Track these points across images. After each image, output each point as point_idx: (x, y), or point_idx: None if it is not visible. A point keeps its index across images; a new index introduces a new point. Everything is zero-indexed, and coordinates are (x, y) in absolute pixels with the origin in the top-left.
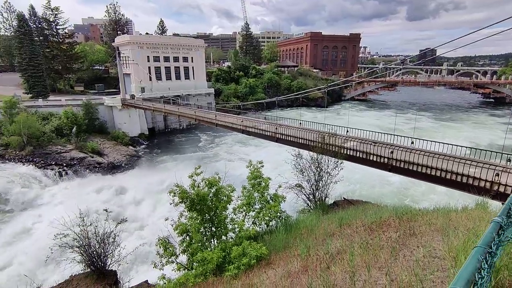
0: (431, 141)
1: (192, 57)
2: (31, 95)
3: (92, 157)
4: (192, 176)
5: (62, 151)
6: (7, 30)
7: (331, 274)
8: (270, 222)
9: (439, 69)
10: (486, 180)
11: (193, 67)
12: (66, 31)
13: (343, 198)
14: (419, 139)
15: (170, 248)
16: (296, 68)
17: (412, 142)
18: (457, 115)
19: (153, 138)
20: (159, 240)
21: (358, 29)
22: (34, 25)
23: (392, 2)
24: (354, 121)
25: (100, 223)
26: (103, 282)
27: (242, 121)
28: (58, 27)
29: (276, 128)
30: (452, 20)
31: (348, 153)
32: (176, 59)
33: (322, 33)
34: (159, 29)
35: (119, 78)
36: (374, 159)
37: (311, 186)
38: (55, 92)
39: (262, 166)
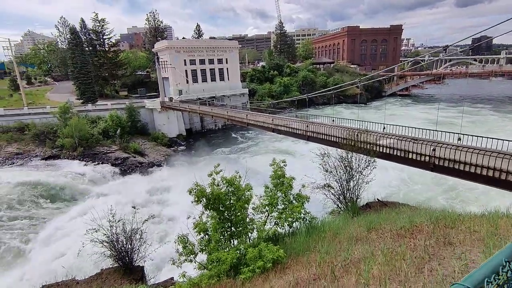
0: (483, 137)
1: (226, 59)
2: (82, 100)
3: (135, 157)
4: (212, 175)
5: (108, 151)
6: (62, 43)
7: (340, 286)
8: (294, 224)
9: (496, 58)
10: None
11: (227, 68)
12: (112, 40)
13: (377, 199)
14: (468, 135)
15: (189, 246)
16: (332, 65)
17: (459, 139)
18: None
19: (190, 138)
20: (178, 238)
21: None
22: (84, 37)
23: None
24: (399, 116)
25: (129, 219)
26: (130, 277)
27: (272, 120)
28: (104, 37)
29: (307, 126)
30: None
31: (385, 151)
32: (211, 61)
33: (360, 27)
34: (196, 33)
35: (158, 81)
36: (414, 158)
37: (341, 186)
38: (102, 97)
39: (285, 165)
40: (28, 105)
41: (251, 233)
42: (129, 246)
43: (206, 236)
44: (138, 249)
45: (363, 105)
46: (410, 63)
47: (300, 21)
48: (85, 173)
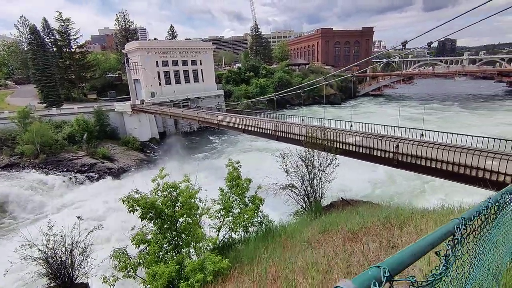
0: (444, 132)
1: (200, 60)
2: (45, 104)
3: (103, 163)
4: (155, 180)
5: (74, 157)
6: (23, 44)
7: None
8: (249, 228)
9: (459, 59)
10: (506, 174)
11: (201, 70)
12: (79, 41)
13: (341, 198)
14: (430, 130)
15: (125, 261)
16: (307, 66)
17: (422, 135)
18: (485, 104)
19: (164, 142)
20: (114, 252)
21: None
22: (48, 37)
23: None
24: (373, 114)
25: (75, 231)
26: None
27: (242, 121)
28: (70, 37)
29: (276, 126)
30: (473, 7)
31: (351, 149)
32: (184, 63)
33: (333, 29)
34: (170, 35)
35: (129, 84)
36: (379, 155)
37: (304, 186)
38: (69, 100)
39: (240, 166)
40: None
41: (198, 242)
42: (69, 262)
43: (147, 248)
44: (80, 264)
45: (338, 105)
46: (382, 64)
47: (276, 23)
48: (47, 181)
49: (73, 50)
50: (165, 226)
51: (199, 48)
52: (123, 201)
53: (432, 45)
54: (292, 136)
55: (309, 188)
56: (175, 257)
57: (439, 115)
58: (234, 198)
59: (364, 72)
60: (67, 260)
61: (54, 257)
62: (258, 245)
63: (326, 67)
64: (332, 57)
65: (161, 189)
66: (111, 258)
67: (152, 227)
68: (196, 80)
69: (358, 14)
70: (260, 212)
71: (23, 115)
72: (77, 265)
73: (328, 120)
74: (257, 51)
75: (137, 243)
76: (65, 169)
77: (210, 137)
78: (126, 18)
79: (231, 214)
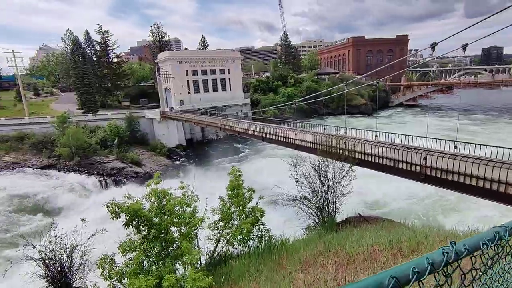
0: (482, 145)
1: (228, 69)
2: (83, 110)
3: (131, 167)
4: (150, 186)
5: (105, 161)
6: (68, 55)
7: None
8: (248, 242)
9: (506, 68)
10: None
11: (229, 79)
12: (116, 51)
13: (358, 214)
14: (465, 142)
15: (109, 270)
16: (336, 75)
17: (455, 147)
18: None
19: (190, 149)
20: (100, 259)
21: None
22: (88, 48)
23: None
24: (410, 124)
25: (76, 234)
26: None
27: (262, 128)
28: (108, 48)
29: (296, 134)
30: None
31: (373, 160)
32: (213, 72)
33: (366, 38)
34: (201, 45)
35: (159, 92)
36: (404, 167)
37: (317, 198)
38: (105, 107)
39: (241, 174)
40: (29, 115)
41: (183, 256)
42: (68, 265)
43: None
44: (78, 268)
45: (368, 115)
46: (418, 73)
47: (307, 33)
48: (80, 182)
49: (110, 60)
50: (151, 235)
51: (227, 57)
52: (107, 206)
53: (467, 48)
54: (311, 145)
55: (322, 201)
56: (159, 270)
57: (485, 126)
58: (233, 209)
59: (398, 82)
60: (65, 263)
61: (53, 259)
62: (251, 262)
63: (357, 76)
64: (364, 66)
65: (149, 196)
66: (96, 265)
67: (138, 235)
68: (223, 88)
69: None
70: (262, 225)
71: (61, 120)
72: (76, 269)
73: (351, 129)
74: (286, 61)
75: (123, 251)
76: (95, 172)
77: (235, 145)
78: (160, 30)
79: (229, 226)
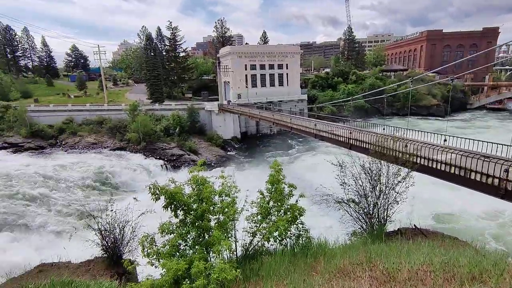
0: None
1: (287, 64)
2: (151, 100)
3: (189, 155)
4: (192, 172)
5: (167, 147)
6: (142, 49)
7: None
8: (284, 240)
9: None
10: None
11: (287, 74)
12: (182, 46)
13: (414, 225)
14: None
15: (149, 249)
16: (405, 72)
17: None
18: None
19: (244, 141)
20: (142, 237)
21: (499, 23)
22: (159, 43)
23: None
24: (505, 132)
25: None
26: (114, 270)
27: (315, 125)
28: (176, 43)
29: (351, 133)
30: None
31: (438, 167)
32: (271, 67)
33: (443, 31)
34: (262, 40)
35: (218, 85)
36: (478, 179)
37: (367, 203)
38: (170, 98)
39: (281, 168)
40: (108, 103)
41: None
42: (120, 238)
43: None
44: (127, 242)
45: (440, 117)
46: (509, 72)
47: (374, 27)
48: (144, 165)
49: (177, 54)
50: (188, 220)
51: (286, 52)
52: (149, 188)
53: None
54: (366, 146)
55: (372, 206)
56: (190, 256)
57: None
58: (272, 204)
59: (481, 81)
60: (118, 236)
61: (108, 231)
62: (283, 262)
63: (430, 74)
64: (439, 62)
65: (190, 182)
66: (138, 241)
67: (175, 218)
68: (281, 83)
69: (481, 13)
70: (300, 224)
71: (133, 108)
72: (126, 243)
73: (415, 131)
74: (349, 56)
75: (162, 232)
76: (158, 157)
77: (289, 141)
78: (223, 26)
79: (267, 220)
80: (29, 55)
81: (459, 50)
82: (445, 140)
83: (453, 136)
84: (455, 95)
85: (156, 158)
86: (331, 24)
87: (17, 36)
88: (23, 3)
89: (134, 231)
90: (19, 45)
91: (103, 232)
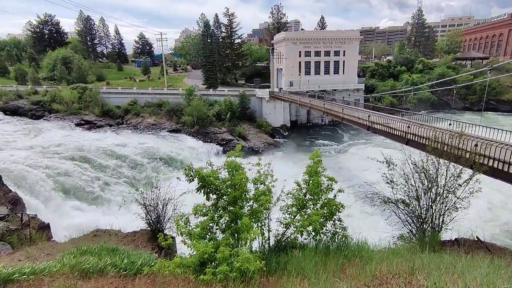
0: None
1: (344, 51)
2: (205, 86)
3: (238, 140)
4: (229, 156)
5: (217, 132)
6: (200, 36)
7: None
8: (318, 235)
9: None
10: None
11: (343, 61)
12: (238, 33)
13: (476, 237)
14: None
15: (182, 228)
16: (485, 61)
17: None
18: None
19: (293, 130)
20: (178, 216)
21: None
22: (216, 30)
23: None
24: None
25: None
26: (155, 243)
27: (369, 116)
28: (232, 30)
29: (409, 127)
30: None
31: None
32: (327, 53)
33: None
34: (319, 26)
35: (271, 72)
36: None
37: (420, 205)
38: (223, 84)
39: (320, 160)
40: (167, 87)
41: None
42: (163, 214)
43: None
44: (169, 219)
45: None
46: None
47: (451, 9)
48: (196, 148)
49: (233, 41)
50: (220, 205)
51: (344, 38)
52: (184, 169)
53: None
54: (426, 142)
55: (425, 209)
56: (219, 240)
57: None
58: (308, 197)
59: None
60: (161, 212)
61: (152, 206)
62: (313, 259)
63: None
64: None
65: (224, 167)
66: (174, 220)
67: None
68: (336, 71)
69: None
70: (338, 221)
71: (188, 93)
72: (167, 219)
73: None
74: (416, 42)
75: (196, 213)
76: (209, 140)
77: (340, 132)
78: (279, 11)
79: (301, 213)
80: (104, 43)
81: None
82: None
83: None
84: None
85: (207, 142)
86: (397, 7)
87: (95, 26)
88: None
89: (175, 209)
90: (96, 34)
91: (147, 207)
